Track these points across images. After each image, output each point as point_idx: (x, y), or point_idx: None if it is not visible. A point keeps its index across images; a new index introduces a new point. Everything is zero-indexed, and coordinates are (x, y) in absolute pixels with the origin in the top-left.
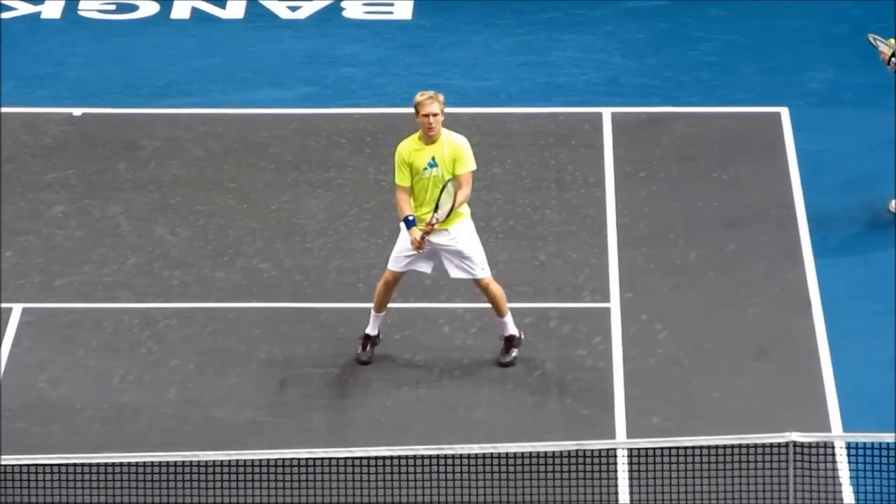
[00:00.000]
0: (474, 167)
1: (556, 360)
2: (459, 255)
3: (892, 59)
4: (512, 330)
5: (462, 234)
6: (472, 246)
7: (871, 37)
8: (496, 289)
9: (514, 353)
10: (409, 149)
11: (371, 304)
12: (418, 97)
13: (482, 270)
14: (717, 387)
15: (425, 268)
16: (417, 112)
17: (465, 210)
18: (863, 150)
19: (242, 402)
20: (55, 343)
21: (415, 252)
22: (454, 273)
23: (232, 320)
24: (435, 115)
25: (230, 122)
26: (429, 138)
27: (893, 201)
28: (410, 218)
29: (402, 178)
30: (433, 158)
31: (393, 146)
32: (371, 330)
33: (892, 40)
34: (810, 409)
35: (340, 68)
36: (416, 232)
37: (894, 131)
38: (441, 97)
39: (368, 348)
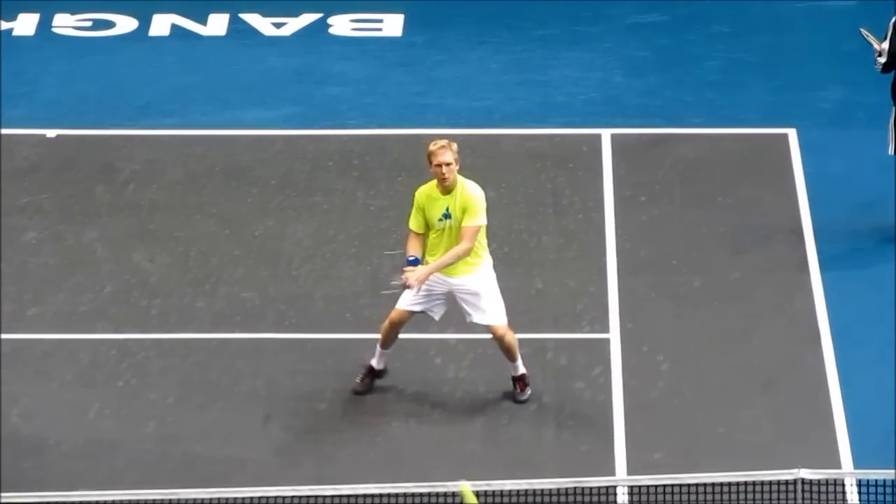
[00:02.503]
0: (483, 222)
1: (553, 393)
2: (476, 296)
3: (879, 57)
4: (523, 369)
5: (481, 279)
6: (488, 289)
7: (863, 31)
8: (511, 339)
9: (529, 390)
10: (426, 196)
11: (365, 334)
12: (431, 147)
13: (497, 317)
14: (721, 421)
15: (436, 313)
16: (430, 162)
17: (485, 256)
18: (874, 173)
19: (224, 438)
20: (28, 375)
21: (426, 292)
22: (474, 317)
23: (214, 351)
24: (448, 164)
25: (212, 144)
26: (444, 188)
27: None
28: (411, 258)
29: (415, 223)
30: (447, 209)
31: (382, 168)
32: (377, 364)
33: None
34: (819, 444)
35: (327, 87)
36: (414, 272)
37: (890, 131)
38: (454, 146)
39: (367, 380)
